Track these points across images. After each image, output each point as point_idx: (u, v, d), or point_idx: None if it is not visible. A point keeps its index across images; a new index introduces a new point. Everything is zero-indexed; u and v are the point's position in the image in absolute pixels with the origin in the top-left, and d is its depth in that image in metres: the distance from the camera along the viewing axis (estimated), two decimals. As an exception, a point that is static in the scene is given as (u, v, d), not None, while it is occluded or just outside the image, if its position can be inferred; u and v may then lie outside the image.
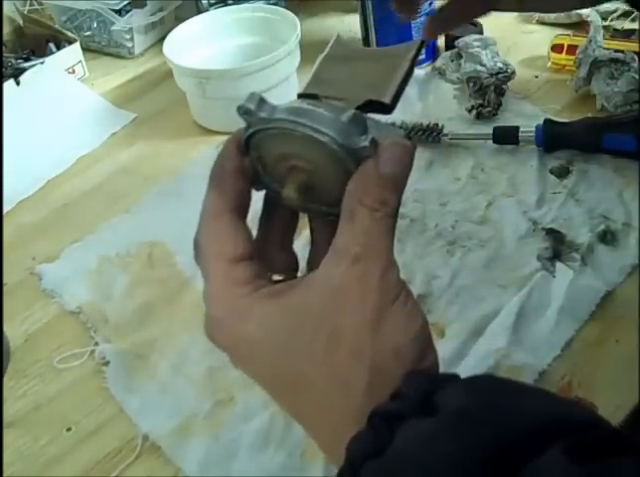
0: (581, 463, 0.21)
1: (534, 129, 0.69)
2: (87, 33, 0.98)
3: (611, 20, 0.83)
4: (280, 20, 0.82)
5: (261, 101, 0.31)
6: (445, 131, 0.72)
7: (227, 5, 0.91)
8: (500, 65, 0.77)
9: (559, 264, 0.58)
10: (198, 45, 0.83)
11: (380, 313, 0.28)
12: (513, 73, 0.77)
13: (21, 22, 0.96)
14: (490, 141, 0.71)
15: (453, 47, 0.82)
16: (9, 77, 0.83)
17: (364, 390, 0.28)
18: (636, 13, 0.81)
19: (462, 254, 0.60)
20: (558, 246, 0.59)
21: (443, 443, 0.24)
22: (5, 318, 0.54)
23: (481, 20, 0.83)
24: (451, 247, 0.61)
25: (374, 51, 0.35)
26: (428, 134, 0.72)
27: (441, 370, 0.31)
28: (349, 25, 0.94)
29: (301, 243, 0.36)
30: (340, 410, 0.28)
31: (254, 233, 0.34)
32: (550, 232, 0.61)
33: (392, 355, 0.28)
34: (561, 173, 0.68)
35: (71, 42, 0.91)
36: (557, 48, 0.80)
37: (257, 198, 0.34)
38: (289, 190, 0.31)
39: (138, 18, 0.95)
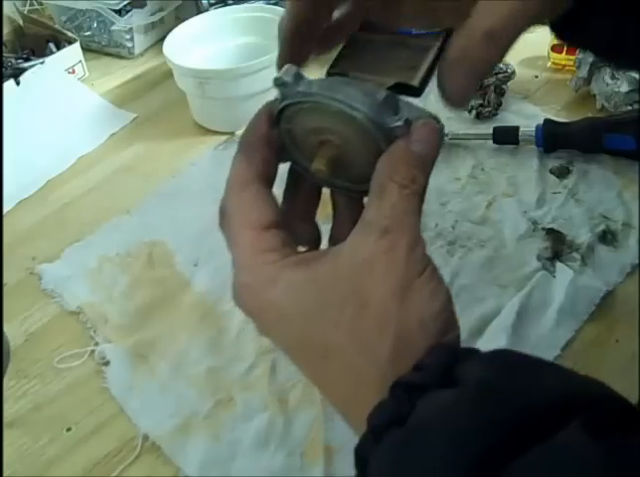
0: (602, 441, 0.21)
1: (534, 129, 0.69)
2: (87, 33, 0.98)
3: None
4: (280, 20, 0.82)
5: (297, 75, 0.31)
6: (445, 131, 0.71)
7: (227, 5, 0.91)
8: (500, 65, 0.77)
9: (559, 264, 0.58)
10: (198, 45, 0.83)
11: (406, 285, 0.28)
12: (513, 73, 0.77)
13: (21, 22, 0.96)
14: (490, 141, 0.71)
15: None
16: (9, 77, 0.83)
17: (388, 359, 0.28)
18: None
19: (462, 254, 0.60)
20: (558, 246, 0.59)
21: (465, 413, 0.24)
22: (5, 318, 0.54)
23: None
24: (451, 247, 0.61)
25: (398, 37, 0.36)
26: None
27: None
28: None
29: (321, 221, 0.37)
30: (364, 379, 0.28)
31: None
32: (550, 232, 0.61)
33: (416, 326, 0.28)
34: (561, 173, 0.68)
35: (71, 42, 0.91)
36: (557, 48, 0.80)
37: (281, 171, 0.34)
38: (319, 163, 0.31)
39: (138, 18, 0.96)
